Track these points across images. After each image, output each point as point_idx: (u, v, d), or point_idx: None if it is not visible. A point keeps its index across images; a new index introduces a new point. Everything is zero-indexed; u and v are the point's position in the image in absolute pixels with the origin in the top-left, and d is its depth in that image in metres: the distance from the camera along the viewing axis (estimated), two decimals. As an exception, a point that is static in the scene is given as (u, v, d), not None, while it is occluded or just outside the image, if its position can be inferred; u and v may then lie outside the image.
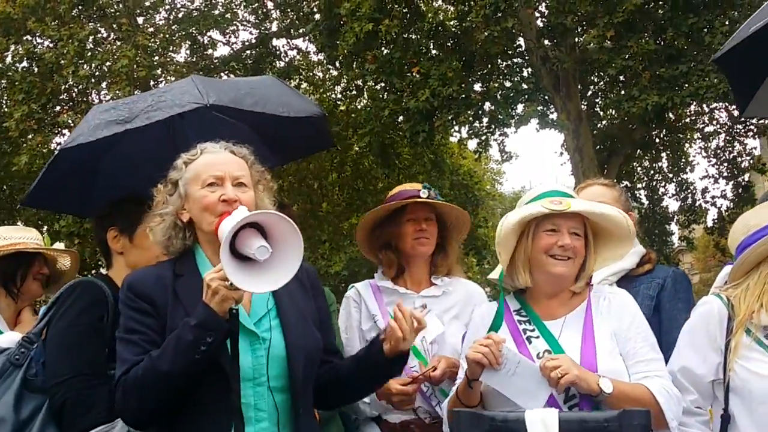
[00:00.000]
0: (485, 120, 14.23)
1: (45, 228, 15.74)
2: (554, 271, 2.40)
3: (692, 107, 15.05)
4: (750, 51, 3.08)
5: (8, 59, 14.40)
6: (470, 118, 14.08)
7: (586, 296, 2.47)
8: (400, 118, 13.79)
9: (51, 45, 14.00)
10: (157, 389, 1.95)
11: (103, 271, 3.10)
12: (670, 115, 14.18)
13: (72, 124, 12.37)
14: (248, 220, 1.93)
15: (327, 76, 16.83)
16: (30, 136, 13.47)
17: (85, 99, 14.48)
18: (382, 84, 14.15)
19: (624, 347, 2.35)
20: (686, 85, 11.79)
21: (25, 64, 14.28)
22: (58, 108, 14.30)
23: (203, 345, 1.89)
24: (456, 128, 15.42)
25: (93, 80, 14.07)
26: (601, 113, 15.83)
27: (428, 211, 3.01)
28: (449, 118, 13.14)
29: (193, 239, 2.20)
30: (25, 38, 14.07)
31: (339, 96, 16.44)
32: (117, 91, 12.70)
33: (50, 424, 2.36)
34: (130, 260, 2.65)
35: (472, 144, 15.74)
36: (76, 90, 14.51)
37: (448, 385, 2.72)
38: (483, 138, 14.75)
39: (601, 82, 15.47)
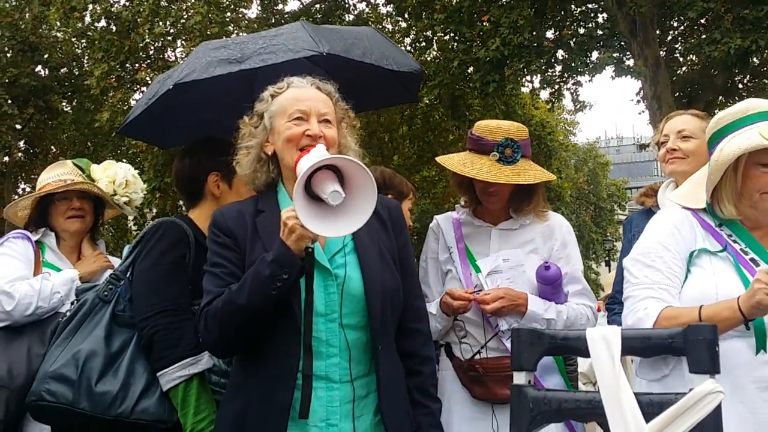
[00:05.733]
0: (558, 68, 13.86)
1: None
2: None
3: (779, 50, 14.30)
4: None
5: (87, 19, 14.88)
6: (542, 67, 13.73)
7: None
8: (470, 68, 13.55)
9: (127, 3, 14.36)
10: (235, 321, 2.00)
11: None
12: (755, 59, 13.50)
13: (149, 81, 12.68)
14: (324, 163, 1.91)
15: (396, 27, 16.65)
16: (110, 94, 13.90)
17: (161, 56, 14.80)
18: (452, 34, 13.91)
19: None
20: (772, 27, 11.20)
21: (103, 23, 14.72)
22: (136, 65, 14.69)
23: (278, 281, 1.91)
24: (528, 78, 15.08)
25: (168, 37, 14.37)
26: (681, 59, 15.17)
27: None
28: (520, 67, 12.83)
29: (277, 173, 2.23)
30: (102, -3, 14.48)
31: (408, 48, 16.27)
32: (192, 48, 12.93)
33: (139, 357, 2.45)
34: (224, 204, 2.72)
35: (545, 94, 15.41)
36: (152, 47, 14.84)
37: (512, 321, 2.67)
38: (556, 87, 14.39)
39: (681, 26, 14.81)
